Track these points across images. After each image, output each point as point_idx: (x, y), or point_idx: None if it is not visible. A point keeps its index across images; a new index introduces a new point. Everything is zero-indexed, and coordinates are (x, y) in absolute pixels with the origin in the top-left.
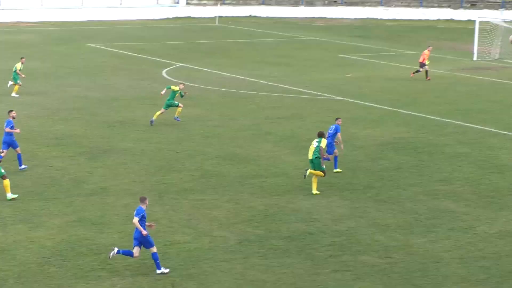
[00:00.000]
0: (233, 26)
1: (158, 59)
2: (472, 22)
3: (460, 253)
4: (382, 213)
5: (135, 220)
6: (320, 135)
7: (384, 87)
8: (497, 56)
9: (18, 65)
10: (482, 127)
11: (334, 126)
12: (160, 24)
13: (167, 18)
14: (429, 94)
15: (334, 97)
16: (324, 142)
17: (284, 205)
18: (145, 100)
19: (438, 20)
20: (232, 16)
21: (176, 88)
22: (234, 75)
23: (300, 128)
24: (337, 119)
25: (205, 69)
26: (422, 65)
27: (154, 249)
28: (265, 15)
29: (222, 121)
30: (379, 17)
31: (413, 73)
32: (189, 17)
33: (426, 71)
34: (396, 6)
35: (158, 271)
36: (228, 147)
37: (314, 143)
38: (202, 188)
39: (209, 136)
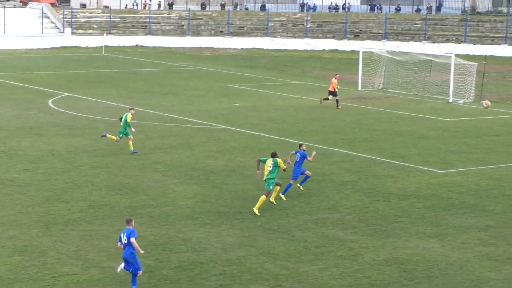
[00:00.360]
0: (119, 56)
1: (43, 88)
2: (356, 52)
3: (348, 280)
4: (272, 242)
5: (133, 239)
6: (273, 155)
7: (271, 116)
8: (380, 86)
9: None
10: (368, 156)
11: (299, 154)
12: (45, 53)
13: (52, 48)
14: (316, 123)
15: (222, 126)
16: (281, 163)
17: (174, 235)
18: (31, 130)
19: (323, 50)
20: (119, 46)
21: (129, 116)
22: (122, 105)
23: (189, 157)
24: (300, 145)
25: (91, 99)
26: (333, 93)
27: (140, 273)
28: (151, 45)
29: (110, 151)
30: (265, 47)
31: (323, 99)
32: (75, 47)
33: (337, 100)
34: (281, 36)
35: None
36: (116, 177)
37: (270, 165)
38: (90, 219)
39: (97, 167)
